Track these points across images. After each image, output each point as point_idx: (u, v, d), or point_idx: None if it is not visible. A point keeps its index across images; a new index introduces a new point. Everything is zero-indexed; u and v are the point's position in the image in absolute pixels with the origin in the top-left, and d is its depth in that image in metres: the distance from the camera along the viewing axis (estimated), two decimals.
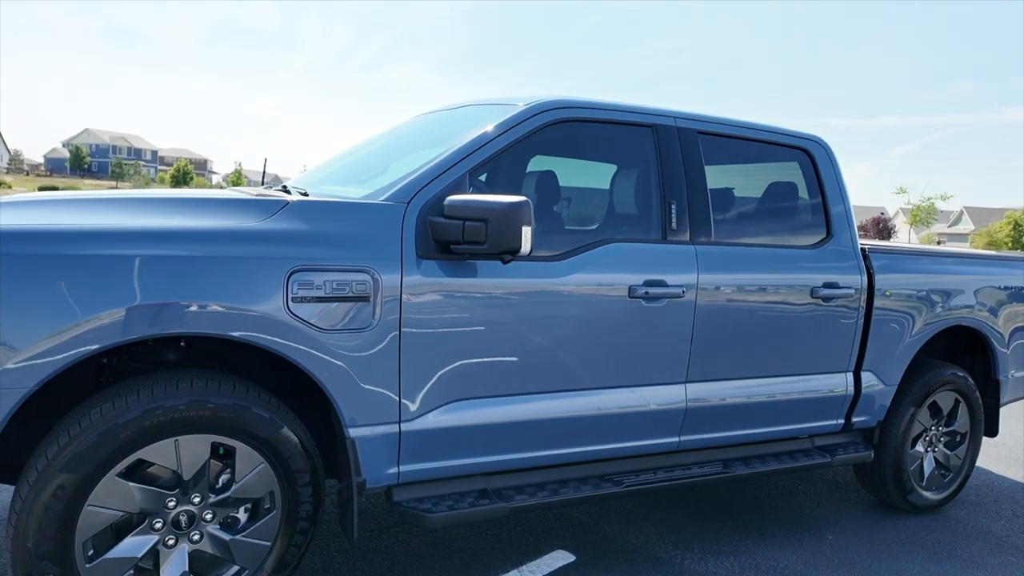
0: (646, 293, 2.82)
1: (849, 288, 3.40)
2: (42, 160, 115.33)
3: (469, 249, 2.36)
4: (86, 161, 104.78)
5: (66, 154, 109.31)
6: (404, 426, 2.43)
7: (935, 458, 4.01)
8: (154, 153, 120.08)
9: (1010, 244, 51.42)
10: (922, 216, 49.66)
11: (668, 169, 3.02)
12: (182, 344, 2.41)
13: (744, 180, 3.66)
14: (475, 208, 2.33)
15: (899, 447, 3.77)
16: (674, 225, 2.99)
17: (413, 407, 2.43)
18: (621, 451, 2.93)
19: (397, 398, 2.40)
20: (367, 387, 2.33)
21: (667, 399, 2.98)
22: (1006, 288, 4.13)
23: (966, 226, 70.90)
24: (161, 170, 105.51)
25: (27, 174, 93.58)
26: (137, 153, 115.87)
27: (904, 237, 56.28)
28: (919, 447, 3.93)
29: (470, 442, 2.56)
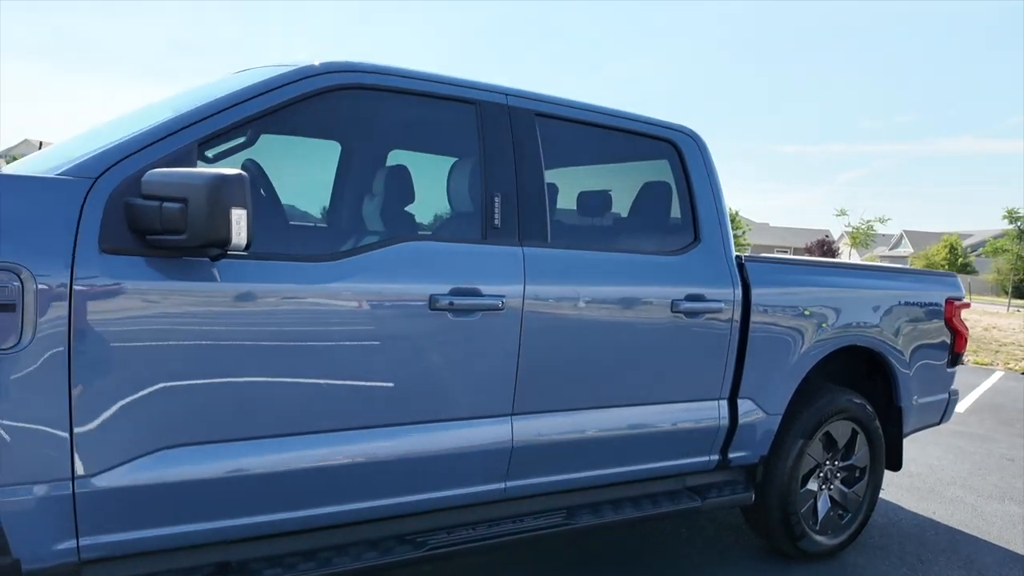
0: (451, 304, 2.25)
1: (718, 301, 2.90)
2: None
3: (167, 240, 1.76)
4: None
5: (3, 164, 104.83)
6: (80, 485, 1.78)
7: (831, 496, 3.53)
8: None
9: (946, 266, 52.98)
10: (862, 238, 50.76)
11: (493, 154, 2.47)
12: None
13: (606, 181, 3.16)
14: (173, 183, 1.74)
15: (786, 486, 3.27)
16: (497, 222, 2.43)
17: (94, 458, 1.79)
18: (425, 504, 2.34)
19: (68, 447, 1.76)
20: (7, 434, 1.69)
21: (486, 438, 2.40)
22: (908, 304, 3.70)
23: (906, 249, 73.00)
24: None
25: None
26: None
27: (846, 259, 57.53)
28: (812, 485, 3.44)
29: (193, 502, 1.94)
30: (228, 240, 1.72)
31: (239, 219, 1.71)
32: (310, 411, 2.07)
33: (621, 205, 3.10)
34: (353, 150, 2.60)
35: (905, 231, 77.12)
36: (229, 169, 1.74)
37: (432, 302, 2.23)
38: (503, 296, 2.36)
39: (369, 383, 2.16)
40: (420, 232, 2.41)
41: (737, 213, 42.96)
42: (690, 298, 2.82)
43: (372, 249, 2.18)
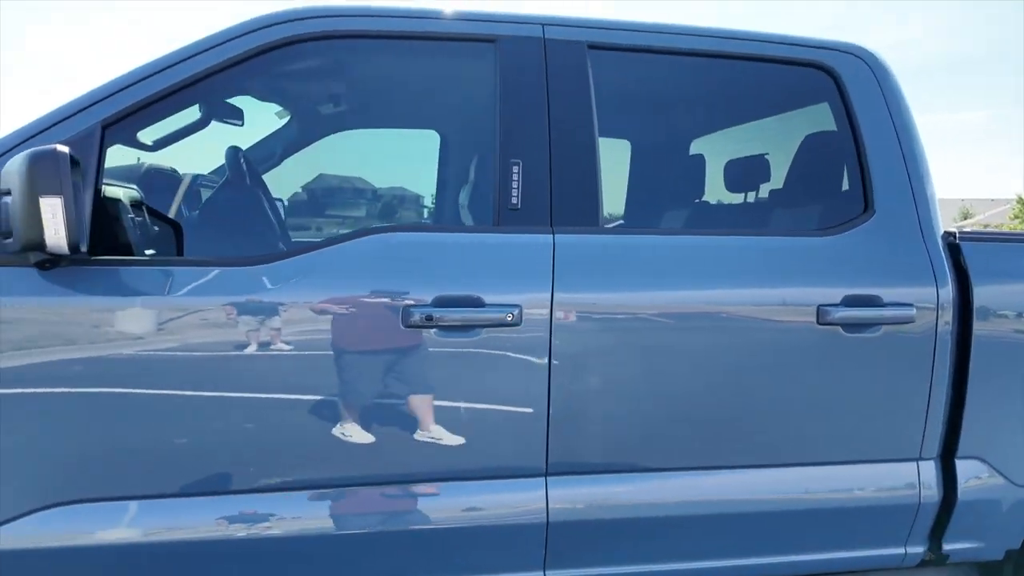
0: (429, 318, 1.60)
1: (906, 306, 1.83)
2: None
3: (7, 245, 1.39)
4: None
5: None
6: None
7: None
8: None
9: None
10: None
11: (515, 107, 1.77)
12: None
13: (721, 137, 2.25)
14: (5, 172, 1.37)
15: None
16: (516, 201, 1.72)
17: None
18: None
19: None
20: None
21: (504, 505, 1.70)
22: None
23: None
24: None
25: None
26: None
27: None
28: None
29: (89, 570, 1.54)
30: (41, 240, 1.29)
31: (53, 211, 1.27)
32: (239, 461, 1.57)
33: (741, 168, 2.16)
34: (327, 119, 2.08)
35: None
36: (51, 145, 1.32)
37: (405, 316, 1.60)
38: (518, 305, 1.64)
39: (307, 431, 1.60)
40: (397, 220, 1.81)
41: None
42: (852, 301, 1.81)
43: (323, 247, 1.62)
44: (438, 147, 2.61)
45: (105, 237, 1.55)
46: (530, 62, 1.80)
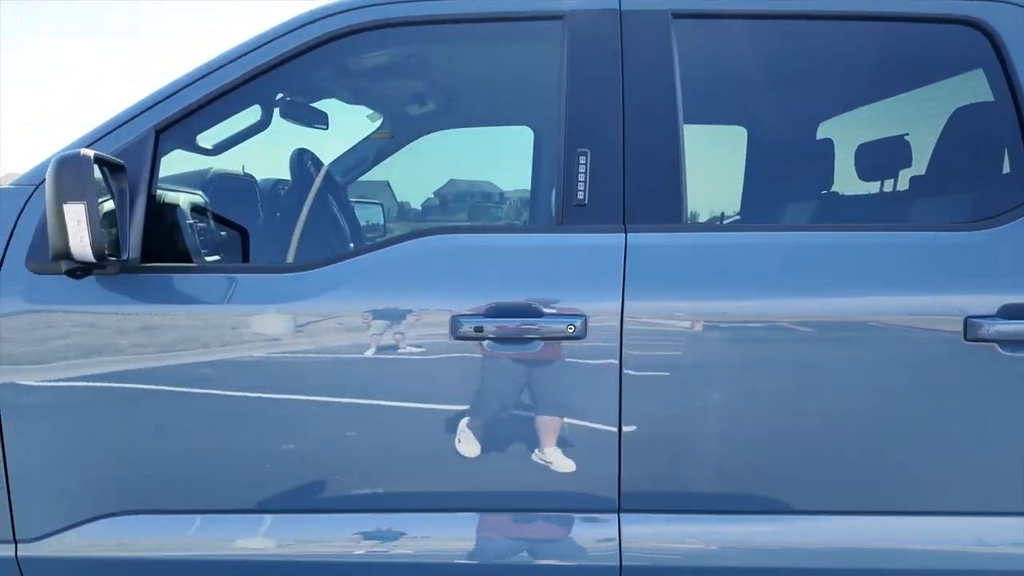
0: (480, 330, 1.43)
1: None
2: None
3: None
4: None
5: None
6: (24, 549, 1.51)
7: None
8: None
9: None
10: None
11: (584, 90, 1.57)
12: None
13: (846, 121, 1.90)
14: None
15: None
16: (582, 196, 1.52)
17: (37, 520, 1.50)
18: None
19: (6, 504, 1.50)
20: None
21: (568, 545, 1.50)
22: None
23: None
24: None
25: None
26: None
27: None
28: None
29: None
30: (67, 249, 1.26)
31: (78, 217, 1.24)
32: (278, 482, 1.49)
33: (873, 152, 1.81)
34: (391, 115, 1.95)
35: None
36: (73, 151, 1.29)
37: (455, 327, 1.44)
38: (581, 315, 1.43)
39: (324, 447, 1.49)
40: (453, 220, 1.65)
41: None
42: (1011, 312, 1.43)
43: (368, 252, 1.50)
44: (532, 141, 2.47)
45: (163, 243, 1.53)
46: (603, 37, 1.58)
